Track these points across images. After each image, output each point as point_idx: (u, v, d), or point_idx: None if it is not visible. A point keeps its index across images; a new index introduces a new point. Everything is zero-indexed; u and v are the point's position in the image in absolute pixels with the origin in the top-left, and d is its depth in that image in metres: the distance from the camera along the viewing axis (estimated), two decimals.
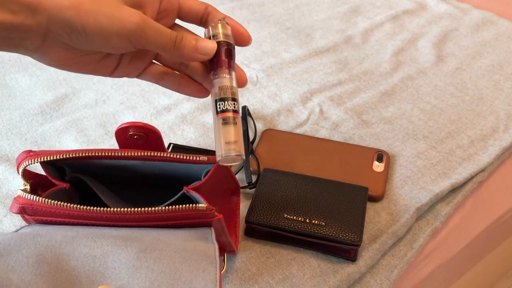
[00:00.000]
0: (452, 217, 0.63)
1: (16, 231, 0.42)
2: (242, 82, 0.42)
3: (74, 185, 0.46)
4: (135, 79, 0.80)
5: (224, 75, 0.40)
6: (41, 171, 0.45)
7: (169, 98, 0.76)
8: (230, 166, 0.65)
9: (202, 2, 0.42)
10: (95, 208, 0.41)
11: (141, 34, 0.35)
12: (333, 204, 0.56)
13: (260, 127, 0.72)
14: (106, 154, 0.44)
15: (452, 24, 0.97)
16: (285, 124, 0.72)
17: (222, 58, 0.40)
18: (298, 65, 0.85)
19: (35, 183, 0.45)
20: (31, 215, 0.43)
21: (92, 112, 0.73)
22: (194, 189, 0.44)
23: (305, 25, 0.96)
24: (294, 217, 0.54)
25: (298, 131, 0.71)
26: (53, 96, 0.75)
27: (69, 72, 0.80)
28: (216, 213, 0.43)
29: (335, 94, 0.78)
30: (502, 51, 0.90)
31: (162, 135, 0.69)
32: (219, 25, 0.40)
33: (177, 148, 0.66)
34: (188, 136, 0.69)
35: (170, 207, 0.42)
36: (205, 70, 0.42)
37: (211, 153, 0.65)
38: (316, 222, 0.54)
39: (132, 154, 0.44)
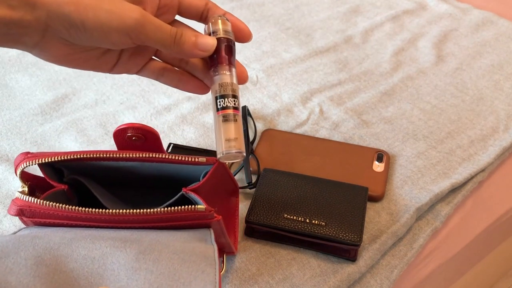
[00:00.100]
0: (452, 217, 0.63)
1: (14, 233, 0.42)
2: (243, 79, 0.42)
3: (73, 187, 0.46)
4: (135, 78, 0.81)
5: (225, 71, 0.40)
6: (39, 173, 0.45)
7: (169, 98, 0.76)
8: (231, 164, 0.65)
9: None
10: (93, 209, 0.41)
11: (141, 30, 0.35)
12: (333, 204, 0.56)
13: (260, 127, 0.72)
14: (104, 155, 0.43)
15: (452, 24, 0.97)
16: (285, 124, 0.72)
17: (222, 54, 0.39)
18: (298, 65, 0.84)
19: (33, 185, 0.45)
20: (29, 217, 0.43)
21: (92, 112, 0.73)
22: (193, 190, 0.43)
23: (305, 25, 0.96)
24: (294, 217, 0.54)
25: (298, 131, 0.71)
26: (53, 96, 0.75)
27: (69, 72, 0.80)
28: (215, 214, 0.43)
29: (335, 94, 0.78)
30: (502, 51, 0.90)
31: (162, 135, 0.69)
32: (219, 21, 0.40)
33: (177, 148, 0.66)
34: (188, 136, 0.69)
35: (169, 208, 0.41)
36: (205, 67, 0.42)
37: (211, 153, 0.65)
38: (316, 222, 0.54)
39: (131, 155, 0.44)
